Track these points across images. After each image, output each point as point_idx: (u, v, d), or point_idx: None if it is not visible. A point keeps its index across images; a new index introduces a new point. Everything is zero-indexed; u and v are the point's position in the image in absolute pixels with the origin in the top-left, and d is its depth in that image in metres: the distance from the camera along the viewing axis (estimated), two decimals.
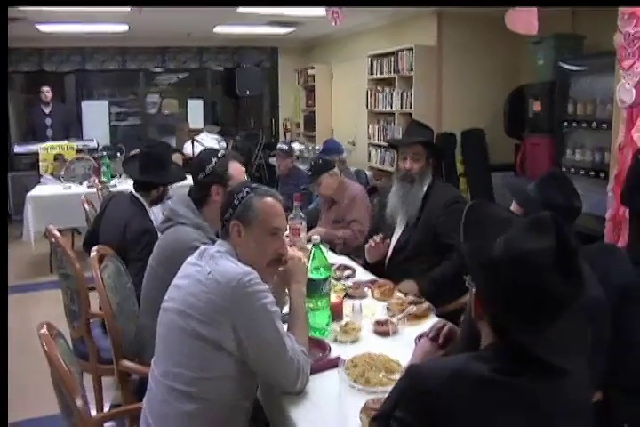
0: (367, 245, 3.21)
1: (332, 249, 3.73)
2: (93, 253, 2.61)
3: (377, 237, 3.14)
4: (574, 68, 5.06)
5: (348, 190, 4.14)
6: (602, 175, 4.59)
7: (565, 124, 5.08)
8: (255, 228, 1.97)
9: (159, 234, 2.68)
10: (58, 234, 3.05)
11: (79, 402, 1.65)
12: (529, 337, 1.22)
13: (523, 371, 1.22)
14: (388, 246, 3.21)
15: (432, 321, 2.42)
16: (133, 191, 3.35)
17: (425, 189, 3.17)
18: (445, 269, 2.97)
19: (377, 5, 5.94)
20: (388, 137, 6.91)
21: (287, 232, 3.43)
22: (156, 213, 3.62)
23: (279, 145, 5.84)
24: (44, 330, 1.73)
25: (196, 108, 10.62)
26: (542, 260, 1.22)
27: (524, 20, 3.45)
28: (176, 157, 4.80)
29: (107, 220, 3.43)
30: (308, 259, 2.30)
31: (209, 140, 8.40)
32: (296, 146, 8.56)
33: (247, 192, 2.00)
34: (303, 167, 6.35)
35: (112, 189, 5.56)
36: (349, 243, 3.92)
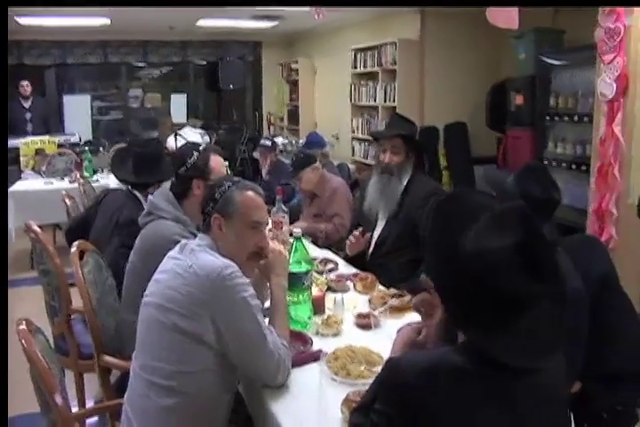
0: (348, 240, 3.22)
1: (315, 242, 3.73)
2: (74, 249, 2.59)
3: (356, 232, 3.15)
4: (555, 61, 5.09)
5: (329, 184, 4.13)
6: (583, 168, 4.62)
7: (547, 117, 5.11)
8: (236, 221, 1.96)
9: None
10: (38, 229, 3.02)
11: (58, 399, 1.63)
12: (485, 341, 1.20)
13: (493, 364, 1.21)
14: (370, 240, 3.22)
15: (413, 313, 2.44)
16: (129, 188, 3.33)
17: (404, 182, 3.17)
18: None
19: (368, 5, 5.95)
20: (370, 130, 6.92)
21: (270, 226, 3.43)
22: None
23: (262, 141, 5.83)
24: (23, 326, 1.71)
25: (178, 103, 10.56)
26: (503, 259, 1.18)
27: (504, 15, 3.46)
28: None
29: (101, 214, 3.40)
30: (290, 252, 2.29)
31: (192, 134, 8.35)
32: (279, 140, 8.54)
33: (228, 186, 2.00)
34: (287, 161, 6.35)
35: (94, 184, 5.52)
36: (331, 237, 3.92)
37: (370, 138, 6.99)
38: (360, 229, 3.17)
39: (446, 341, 1.38)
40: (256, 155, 6.73)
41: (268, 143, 5.64)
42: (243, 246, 1.99)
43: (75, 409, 2.99)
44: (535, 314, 1.20)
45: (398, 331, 2.14)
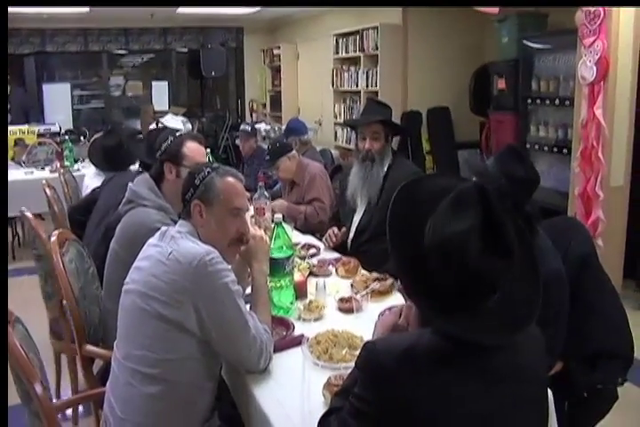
0: (326, 236, 3.24)
1: (297, 228, 3.73)
2: (53, 238, 2.56)
3: (335, 229, 3.20)
4: (538, 45, 5.09)
5: (307, 170, 4.12)
6: (565, 151, 4.64)
7: (529, 101, 5.12)
8: (216, 207, 1.95)
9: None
10: (31, 216, 3.06)
11: (38, 388, 1.62)
12: (457, 326, 1.20)
13: (470, 346, 1.22)
14: (347, 233, 3.23)
15: (395, 297, 2.45)
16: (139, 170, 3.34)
17: (385, 168, 3.18)
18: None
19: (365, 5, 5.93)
20: (354, 117, 6.89)
21: (251, 212, 3.42)
22: None
23: (242, 126, 5.80)
24: None
25: (160, 90, 10.49)
26: (463, 242, 1.18)
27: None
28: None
29: (103, 193, 3.42)
30: (271, 238, 2.29)
31: (174, 122, 8.26)
32: (262, 126, 8.50)
33: (208, 172, 1.98)
34: None
35: (75, 174, 5.45)
36: (310, 219, 3.93)
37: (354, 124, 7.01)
38: (344, 229, 3.20)
39: (425, 325, 1.39)
40: (239, 142, 6.70)
41: (248, 128, 5.62)
42: (224, 233, 1.98)
43: (68, 393, 3.06)
44: (504, 292, 1.23)
45: (380, 315, 2.16)
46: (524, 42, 5.17)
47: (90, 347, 2.42)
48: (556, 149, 4.83)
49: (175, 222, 2.08)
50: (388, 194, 3.12)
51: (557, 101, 4.78)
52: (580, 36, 4.08)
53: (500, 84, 5.58)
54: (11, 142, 6.86)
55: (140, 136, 4.94)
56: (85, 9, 7.44)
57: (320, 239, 3.45)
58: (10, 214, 6.16)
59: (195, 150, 2.55)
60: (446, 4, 5.39)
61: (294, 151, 4.17)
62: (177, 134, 2.60)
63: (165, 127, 3.63)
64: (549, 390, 1.48)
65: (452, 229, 1.20)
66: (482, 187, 1.24)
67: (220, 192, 1.96)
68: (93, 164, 4.34)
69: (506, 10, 3.94)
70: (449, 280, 1.20)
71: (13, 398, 1.76)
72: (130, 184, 2.60)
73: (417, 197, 1.35)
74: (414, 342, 1.24)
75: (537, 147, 5.03)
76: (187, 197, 1.98)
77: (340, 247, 3.23)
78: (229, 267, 1.87)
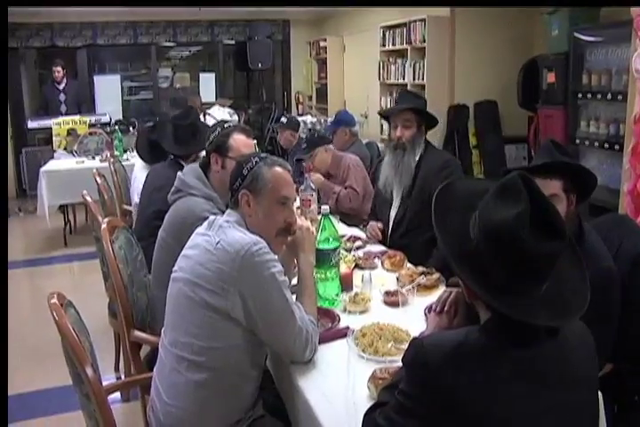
0: (368, 233, 3.26)
1: (344, 221, 3.71)
2: (104, 226, 2.60)
3: (380, 225, 3.21)
4: (590, 38, 4.95)
5: (342, 162, 4.13)
6: (616, 148, 4.51)
7: (580, 95, 4.99)
8: (264, 197, 1.95)
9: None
10: (90, 200, 3.23)
11: (89, 371, 1.65)
12: (511, 307, 1.21)
13: (519, 341, 1.21)
14: (385, 228, 3.24)
15: (442, 291, 2.42)
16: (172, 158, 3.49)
17: (417, 156, 3.17)
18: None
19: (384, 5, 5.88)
20: (381, 109, 6.83)
21: (297, 203, 3.42)
22: None
23: (282, 118, 5.81)
24: (55, 300, 1.73)
25: (207, 82, 10.57)
26: (512, 229, 1.19)
27: None
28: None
29: (146, 187, 3.47)
30: (317, 229, 2.28)
31: (221, 113, 8.36)
32: (308, 118, 8.50)
33: (256, 162, 1.98)
34: None
35: (124, 163, 5.56)
36: (342, 202, 3.96)
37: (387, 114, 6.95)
38: (380, 224, 3.21)
39: (470, 324, 1.37)
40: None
41: (284, 120, 5.62)
42: (271, 222, 1.98)
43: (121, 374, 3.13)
44: (555, 279, 1.25)
45: (425, 310, 2.14)
46: (575, 34, 5.03)
47: (137, 333, 2.46)
48: (607, 146, 4.70)
49: (223, 212, 2.09)
50: (421, 183, 3.11)
51: (609, 96, 4.64)
52: (636, 28, 3.95)
53: (550, 77, 5.45)
54: (63, 132, 7.01)
55: None
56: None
57: (365, 231, 3.44)
58: (62, 202, 6.34)
59: (241, 142, 2.55)
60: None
61: (330, 145, 4.19)
62: (225, 126, 2.60)
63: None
64: (599, 393, 1.44)
65: (501, 216, 1.21)
66: (525, 175, 1.25)
67: (267, 182, 1.95)
68: (140, 157, 4.40)
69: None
70: (505, 267, 1.21)
71: (66, 378, 1.80)
72: (179, 173, 2.62)
73: (457, 193, 1.40)
74: (461, 340, 1.23)
75: (587, 143, 4.90)
76: (234, 187, 1.99)
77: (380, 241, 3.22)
78: (276, 257, 1.87)
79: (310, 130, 7.68)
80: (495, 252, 1.21)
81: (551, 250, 1.20)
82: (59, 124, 7.05)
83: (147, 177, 3.52)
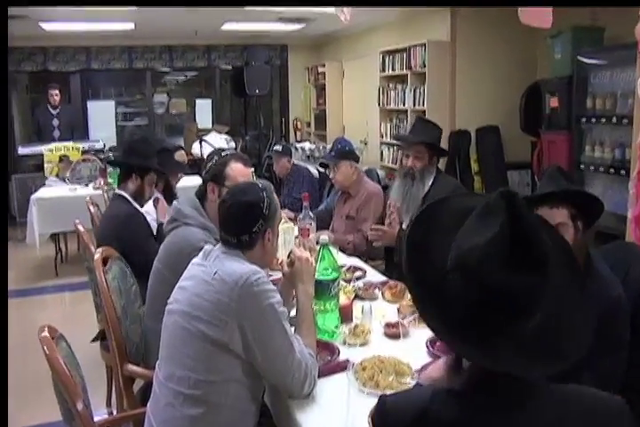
0: (371, 236, 3.39)
1: (342, 251, 3.73)
2: (97, 256, 2.62)
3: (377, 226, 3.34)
4: (594, 61, 5.02)
5: (365, 186, 4.14)
6: (622, 172, 4.55)
7: (584, 119, 5.04)
8: (276, 227, 2.04)
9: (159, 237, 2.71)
10: (82, 229, 3.27)
11: (80, 406, 1.65)
12: (490, 355, 1.06)
13: (502, 406, 1.09)
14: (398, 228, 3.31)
15: None
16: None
17: (427, 187, 3.28)
18: None
19: (385, 5, 5.97)
20: (395, 134, 6.93)
21: (296, 233, 3.44)
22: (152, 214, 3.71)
23: (275, 146, 5.84)
24: (45, 333, 1.73)
25: (204, 108, 10.68)
26: (486, 256, 1.04)
27: (537, 14, 3.43)
28: (179, 155, 4.90)
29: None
30: (317, 260, 2.30)
31: (217, 140, 8.44)
32: (307, 145, 8.57)
33: (268, 197, 1.99)
34: (312, 168, 6.35)
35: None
36: (359, 248, 3.91)
37: (399, 143, 7.01)
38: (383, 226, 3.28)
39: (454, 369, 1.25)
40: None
41: (279, 148, 5.66)
42: (275, 249, 2.09)
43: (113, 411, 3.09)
44: (545, 315, 1.08)
45: (427, 342, 2.15)
46: (579, 58, 5.10)
47: (131, 366, 2.46)
48: (612, 171, 4.73)
49: (218, 242, 2.10)
50: None
51: (614, 120, 4.69)
52: None
53: (553, 102, 5.51)
54: (55, 159, 7.06)
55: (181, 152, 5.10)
56: (130, 26, 7.65)
57: (366, 261, 3.46)
58: (54, 230, 6.35)
59: (238, 171, 2.57)
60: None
61: (359, 164, 4.22)
62: (222, 154, 2.63)
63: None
64: None
65: (471, 242, 1.06)
66: (509, 192, 1.09)
67: (278, 212, 2.05)
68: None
69: (559, 25, 3.91)
70: (471, 301, 1.06)
71: (56, 414, 1.80)
72: (175, 203, 2.66)
73: (439, 217, 1.21)
74: (425, 406, 1.12)
75: (592, 168, 4.94)
76: (255, 230, 1.95)
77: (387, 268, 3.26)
78: (275, 288, 1.89)
79: (311, 158, 7.77)
80: (461, 282, 1.07)
81: (527, 283, 1.04)
82: (51, 151, 7.09)
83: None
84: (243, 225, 1.95)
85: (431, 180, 3.29)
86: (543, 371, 1.09)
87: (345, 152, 4.18)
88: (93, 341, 3.26)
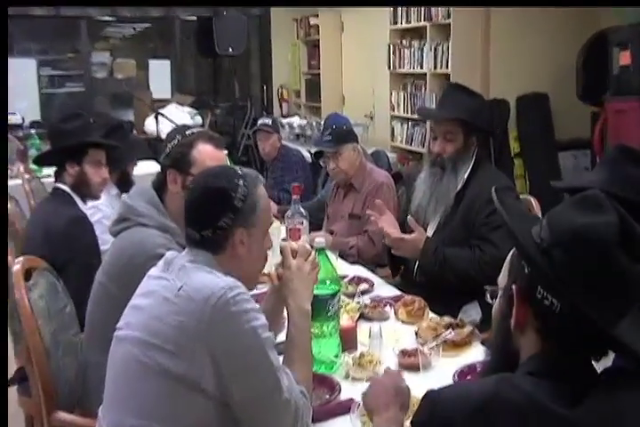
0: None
1: (343, 257, 3.74)
2: (17, 267, 2.56)
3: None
4: None
5: (371, 175, 4.16)
6: None
7: None
8: (259, 229, 2.02)
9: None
10: None
11: None
12: (613, 325, 1.27)
13: (576, 385, 1.26)
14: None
15: (476, 350, 2.44)
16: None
17: (461, 178, 3.20)
18: (462, 253, 3.07)
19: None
20: (418, 107, 6.88)
21: (283, 235, 3.45)
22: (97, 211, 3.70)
23: (261, 120, 5.86)
24: None
25: (160, 72, 10.61)
26: (607, 235, 1.27)
27: None
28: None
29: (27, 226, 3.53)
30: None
31: (179, 114, 8.44)
32: (296, 121, 8.58)
33: (246, 186, 1.98)
34: (304, 149, 6.37)
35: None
36: (365, 253, 3.92)
37: (415, 117, 7.00)
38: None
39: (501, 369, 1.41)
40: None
41: (268, 122, 5.69)
42: (261, 257, 2.08)
43: None
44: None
45: (454, 376, 2.17)
46: None
47: (62, 414, 2.41)
48: None
49: (183, 248, 2.11)
50: (465, 211, 3.15)
51: None
52: None
53: (624, 58, 5.43)
54: None
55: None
56: None
57: (373, 271, 3.46)
58: None
59: (208, 155, 2.55)
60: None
61: (360, 145, 4.25)
62: (187, 133, 2.61)
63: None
64: None
65: (584, 220, 1.30)
66: (608, 192, 1.38)
67: (261, 209, 2.01)
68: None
69: None
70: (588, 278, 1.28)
71: None
72: (124, 197, 2.65)
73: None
74: (491, 393, 1.27)
75: None
76: (221, 224, 1.95)
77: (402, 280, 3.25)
78: (258, 306, 1.89)
79: (301, 137, 7.76)
80: (573, 258, 1.29)
81: (637, 272, 1.28)
82: None
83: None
84: (205, 216, 1.97)
85: (467, 170, 3.20)
86: None
87: (344, 134, 4.21)
88: (9, 384, 3.17)
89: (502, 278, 1.48)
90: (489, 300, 1.52)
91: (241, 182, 1.97)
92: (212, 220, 1.94)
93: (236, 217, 1.95)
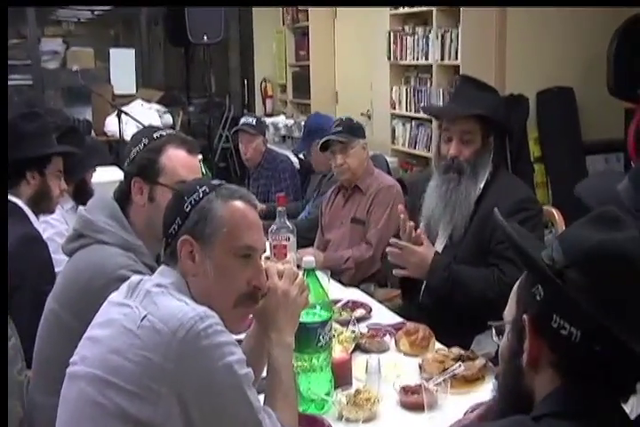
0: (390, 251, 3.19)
1: (338, 279, 3.74)
2: None
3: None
4: None
5: (378, 179, 4.23)
6: None
7: None
8: (217, 247, 1.97)
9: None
10: None
11: None
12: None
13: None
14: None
15: (490, 387, 2.45)
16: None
17: (481, 185, 3.19)
18: (478, 273, 3.07)
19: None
20: (423, 104, 6.90)
21: (267, 253, 3.45)
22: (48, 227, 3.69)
23: (243, 119, 5.87)
24: None
25: (123, 63, 10.60)
26: (630, 250, 1.34)
27: None
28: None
29: None
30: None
31: (145, 112, 8.46)
32: (281, 120, 8.59)
33: (204, 192, 2.00)
34: (291, 155, 6.38)
35: None
36: (363, 263, 3.99)
37: (418, 115, 7.02)
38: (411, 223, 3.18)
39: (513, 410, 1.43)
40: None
41: (252, 121, 5.71)
42: (228, 286, 2.00)
43: None
44: None
45: (466, 413, 2.18)
46: None
47: None
48: None
49: (150, 269, 2.11)
50: (480, 224, 3.14)
51: None
52: None
53: None
54: None
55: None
56: None
57: (371, 294, 3.48)
58: None
59: (179, 161, 2.54)
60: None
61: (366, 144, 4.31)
62: (155, 135, 2.60)
63: None
64: None
65: (601, 237, 1.36)
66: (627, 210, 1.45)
67: (222, 223, 1.97)
68: None
69: None
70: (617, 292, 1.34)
71: None
72: (80, 209, 2.63)
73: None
74: None
75: None
76: (171, 231, 2.00)
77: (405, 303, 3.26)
78: (234, 339, 1.90)
79: (288, 139, 7.77)
80: (593, 278, 1.34)
81: None
82: None
83: None
84: (165, 222, 2.03)
85: (486, 175, 3.20)
86: None
87: (355, 127, 4.28)
88: None
89: (509, 312, 1.50)
90: (494, 338, 1.55)
91: (201, 189, 2.00)
92: (167, 226, 2.00)
93: (182, 223, 1.97)
